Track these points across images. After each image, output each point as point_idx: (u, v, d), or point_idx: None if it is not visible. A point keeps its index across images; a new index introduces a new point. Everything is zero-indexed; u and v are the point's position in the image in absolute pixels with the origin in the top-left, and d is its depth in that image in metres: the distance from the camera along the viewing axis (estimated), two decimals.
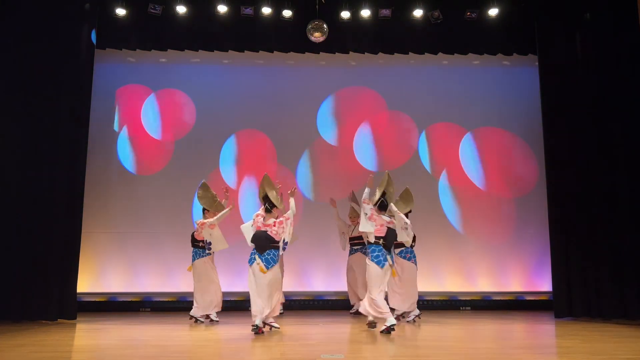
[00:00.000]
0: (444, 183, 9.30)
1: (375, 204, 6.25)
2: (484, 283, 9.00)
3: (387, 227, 6.19)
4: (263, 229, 6.14)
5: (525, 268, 9.04)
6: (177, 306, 8.64)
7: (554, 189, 7.81)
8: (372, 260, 6.10)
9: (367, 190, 6.27)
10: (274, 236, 6.12)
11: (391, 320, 5.98)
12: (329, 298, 8.84)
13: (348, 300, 8.32)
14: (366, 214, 6.17)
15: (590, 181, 7.69)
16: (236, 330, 6.55)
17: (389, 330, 5.93)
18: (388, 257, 6.12)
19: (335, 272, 8.69)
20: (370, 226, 6.13)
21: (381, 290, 6.10)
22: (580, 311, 7.53)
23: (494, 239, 9.14)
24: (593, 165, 7.72)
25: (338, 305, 8.64)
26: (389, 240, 6.18)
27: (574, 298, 7.55)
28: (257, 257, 6.08)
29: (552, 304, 7.82)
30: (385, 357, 4.79)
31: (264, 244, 6.10)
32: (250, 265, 6.10)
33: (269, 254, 6.08)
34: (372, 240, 6.18)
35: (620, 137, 7.64)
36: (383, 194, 6.27)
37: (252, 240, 6.16)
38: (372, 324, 6.33)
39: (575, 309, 7.53)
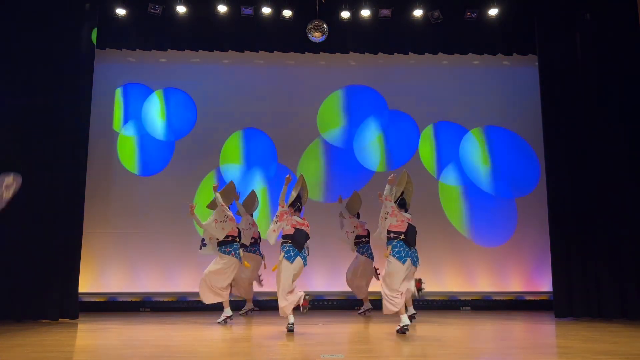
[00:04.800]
0: (444, 183, 9.30)
1: (395, 202, 6.26)
2: (484, 283, 9.00)
3: (408, 223, 6.18)
4: (300, 227, 6.32)
5: (525, 268, 9.03)
6: (177, 306, 8.64)
7: (554, 188, 7.80)
8: (394, 255, 6.01)
9: (387, 187, 6.26)
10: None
11: (404, 319, 5.93)
12: (329, 298, 8.83)
13: (348, 300, 8.32)
14: (387, 212, 6.18)
15: (591, 181, 7.69)
16: (236, 330, 6.55)
17: (403, 330, 5.90)
18: (410, 253, 6.07)
19: (335, 272, 8.69)
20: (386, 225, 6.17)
21: (402, 286, 6.00)
22: (580, 311, 7.53)
23: (494, 239, 9.14)
24: (593, 165, 7.72)
25: (338, 305, 8.64)
26: (410, 236, 6.12)
27: (574, 298, 7.55)
28: (298, 255, 6.20)
29: (552, 304, 7.81)
30: (385, 357, 4.78)
31: (304, 242, 6.29)
32: (291, 262, 6.15)
33: (304, 251, 6.31)
34: (385, 236, 6.20)
35: (621, 136, 7.64)
36: (402, 192, 6.34)
37: (296, 238, 6.22)
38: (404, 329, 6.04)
39: (576, 309, 7.53)
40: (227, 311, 7.16)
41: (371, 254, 8.03)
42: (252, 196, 8.16)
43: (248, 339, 5.91)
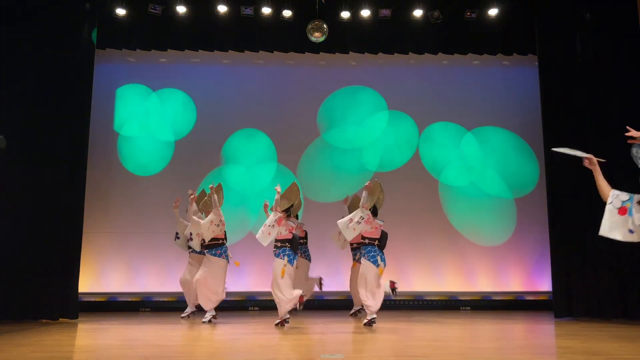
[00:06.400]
0: (444, 183, 9.30)
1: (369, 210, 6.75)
2: (484, 283, 9.00)
3: (382, 230, 6.77)
4: (293, 231, 6.75)
5: (525, 268, 9.04)
6: (177, 306, 8.61)
7: (554, 189, 7.81)
8: (369, 259, 6.62)
9: (364, 194, 6.69)
10: None
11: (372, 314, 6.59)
12: (329, 298, 8.84)
13: (348, 300, 8.33)
14: (362, 218, 6.61)
15: (590, 181, 7.65)
16: (236, 330, 6.56)
17: (370, 323, 6.53)
18: (382, 256, 6.71)
19: (335, 272, 8.68)
20: (350, 230, 6.63)
21: (378, 285, 6.65)
22: (580, 311, 7.53)
23: (494, 239, 9.14)
24: None
25: (338, 305, 8.64)
26: (383, 241, 6.76)
27: (574, 298, 7.55)
28: (295, 258, 6.66)
29: (552, 304, 7.82)
30: (385, 357, 4.78)
31: (298, 245, 6.91)
32: (292, 265, 6.60)
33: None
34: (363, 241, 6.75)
35: (621, 137, 7.62)
36: (375, 202, 6.86)
37: (294, 242, 6.69)
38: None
39: (575, 309, 7.53)
40: (213, 310, 7.20)
41: (309, 255, 8.09)
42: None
43: (248, 338, 5.91)
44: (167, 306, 8.65)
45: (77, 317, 7.34)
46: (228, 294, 8.46)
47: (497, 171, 9.31)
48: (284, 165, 9.25)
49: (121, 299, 8.70)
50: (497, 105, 9.44)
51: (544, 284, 8.79)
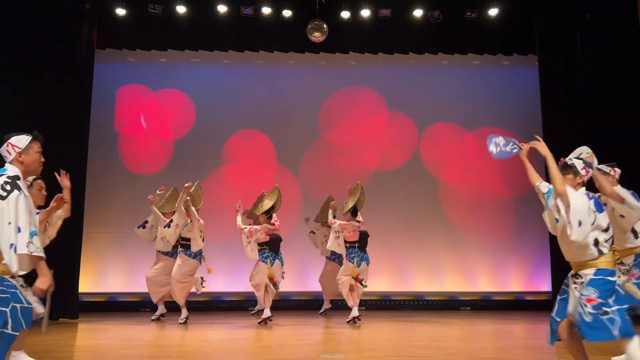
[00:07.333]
0: (444, 183, 9.30)
1: (348, 211, 7.01)
2: (484, 283, 9.00)
3: (359, 231, 7.09)
4: (273, 232, 7.00)
5: (525, 268, 9.04)
6: (177, 306, 8.61)
7: None
8: (350, 260, 6.99)
9: (330, 212, 7.12)
10: None
11: (355, 311, 6.89)
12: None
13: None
14: (337, 232, 6.92)
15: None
16: (236, 330, 6.56)
17: (354, 321, 6.85)
18: (364, 256, 7.04)
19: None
20: (337, 245, 6.97)
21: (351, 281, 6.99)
22: None
23: (494, 239, 9.14)
24: None
25: (338, 306, 8.63)
26: (363, 242, 7.10)
27: None
28: (276, 258, 6.97)
29: (552, 304, 7.80)
30: (385, 357, 4.78)
31: (279, 245, 7.09)
32: (272, 265, 6.89)
33: (280, 253, 7.10)
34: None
35: (620, 137, 7.63)
36: (355, 202, 7.12)
37: (273, 243, 6.97)
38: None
39: None
40: (186, 310, 7.29)
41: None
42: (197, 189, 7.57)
43: (248, 338, 5.91)
44: (167, 306, 8.61)
45: (77, 317, 7.34)
46: (228, 294, 8.52)
47: (497, 171, 9.31)
48: (284, 165, 9.25)
49: (121, 299, 8.69)
50: (497, 105, 9.43)
51: (544, 284, 8.78)
